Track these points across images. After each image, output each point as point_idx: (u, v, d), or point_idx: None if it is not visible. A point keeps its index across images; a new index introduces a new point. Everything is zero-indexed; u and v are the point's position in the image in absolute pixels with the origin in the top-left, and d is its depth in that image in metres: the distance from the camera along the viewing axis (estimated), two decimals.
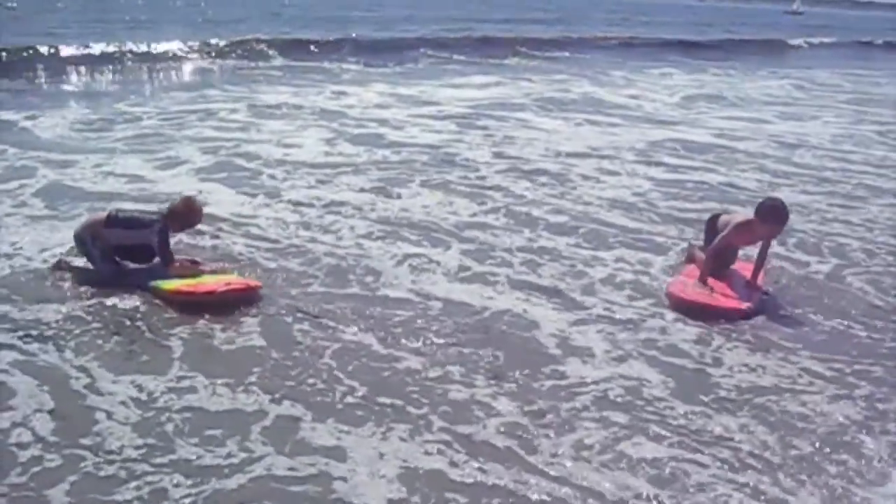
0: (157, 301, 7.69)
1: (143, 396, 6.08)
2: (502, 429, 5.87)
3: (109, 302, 7.63)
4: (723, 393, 6.59)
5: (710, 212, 9.45)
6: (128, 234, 8.06)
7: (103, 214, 8.24)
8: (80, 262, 8.27)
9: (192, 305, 7.60)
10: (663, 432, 5.94)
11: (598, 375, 6.73)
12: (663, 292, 8.41)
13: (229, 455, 5.44)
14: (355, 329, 7.35)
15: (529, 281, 8.68)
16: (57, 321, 7.24)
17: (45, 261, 8.45)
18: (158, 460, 5.34)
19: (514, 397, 6.30)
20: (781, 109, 21.22)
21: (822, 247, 10.19)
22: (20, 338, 6.92)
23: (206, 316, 7.48)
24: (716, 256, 8.43)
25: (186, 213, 8.25)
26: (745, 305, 8.05)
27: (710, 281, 8.40)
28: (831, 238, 10.57)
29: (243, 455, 5.45)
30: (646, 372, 6.84)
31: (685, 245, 9.53)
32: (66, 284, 7.96)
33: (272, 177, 12.46)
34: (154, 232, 7.98)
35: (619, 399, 6.38)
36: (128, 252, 8.19)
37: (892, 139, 18.11)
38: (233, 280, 8.03)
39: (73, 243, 8.42)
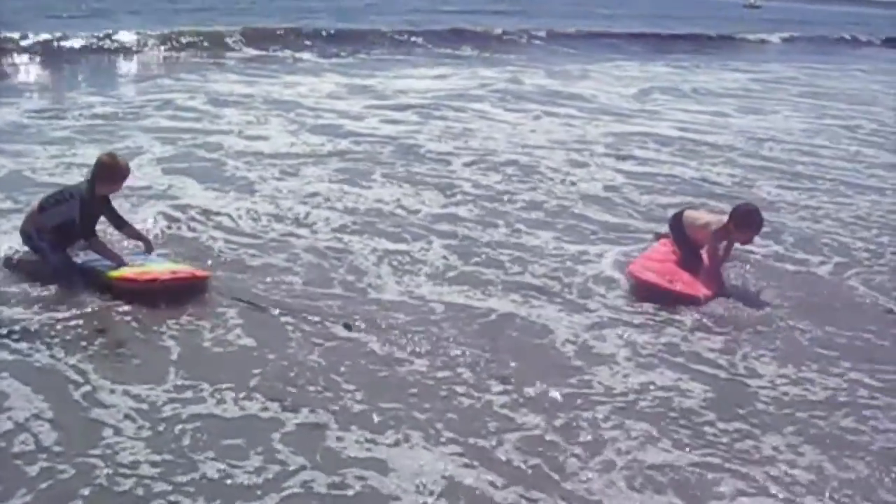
0: (133, 296, 7.37)
1: (145, 406, 5.73)
2: (528, 445, 5.52)
3: (82, 298, 7.34)
4: (761, 406, 6.23)
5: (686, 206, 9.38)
6: (60, 209, 7.74)
7: (36, 203, 8.01)
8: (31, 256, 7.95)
9: (139, 294, 7.40)
10: (702, 449, 5.59)
11: (626, 385, 6.40)
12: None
13: (258, 470, 5.06)
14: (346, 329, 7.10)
15: (522, 281, 8.44)
16: (35, 320, 6.92)
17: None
18: (179, 478, 4.94)
19: (535, 409, 5.97)
20: (739, 103, 21.23)
21: (819, 245, 10.00)
22: (2, 336, 6.62)
23: (189, 311, 7.26)
24: (717, 271, 8.39)
25: (113, 166, 7.88)
26: (701, 293, 8.05)
27: (674, 269, 8.43)
28: (829, 236, 10.38)
29: (274, 468, 5.08)
30: (676, 381, 6.51)
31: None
32: (26, 280, 7.61)
33: (236, 168, 12.22)
34: (77, 203, 7.69)
35: (649, 410, 6.05)
36: (69, 231, 7.79)
37: (861, 134, 18.09)
38: (179, 269, 7.81)
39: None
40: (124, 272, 7.58)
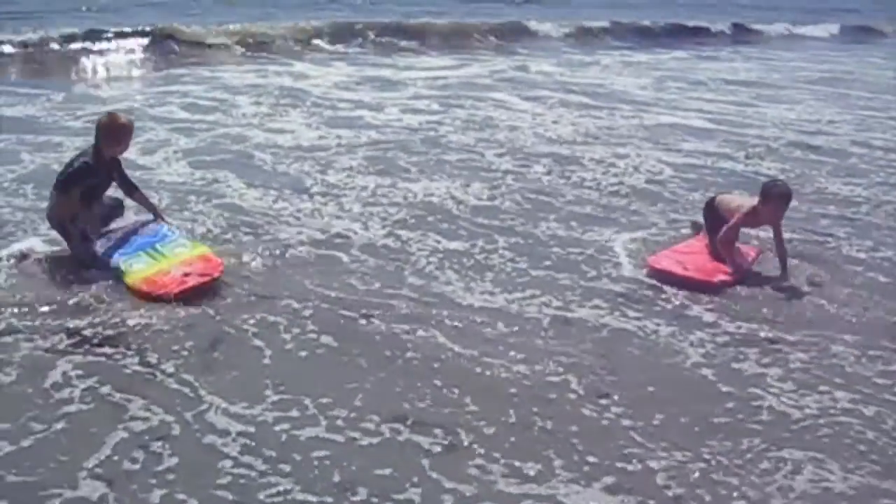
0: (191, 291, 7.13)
1: (252, 428, 5.30)
2: (683, 477, 5.01)
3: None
4: None
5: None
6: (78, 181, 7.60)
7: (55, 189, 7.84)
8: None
9: None
10: None
11: (801, 412, 5.77)
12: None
13: None
14: (430, 334, 6.71)
15: (603, 287, 7.94)
16: (110, 323, 6.64)
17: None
18: None
19: (680, 436, 5.44)
20: (759, 92, 20.64)
21: None
22: (84, 342, 6.32)
23: (263, 307, 7.02)
24: (729, 243, 8.28)
25: (113, 124, 7.73)
26: (716, 279, 7.96)
27: (696, 259, 8.32)
28: None
29: None
30: (853, 407, 5.85)
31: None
32: (62, 274, 7.37)
33: (263, 160, 11.89)
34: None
35: (828, 440, 5.43)
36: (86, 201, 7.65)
37: None
38: (192, 263, 7.48)
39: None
40: (134, 278, 7.26)
